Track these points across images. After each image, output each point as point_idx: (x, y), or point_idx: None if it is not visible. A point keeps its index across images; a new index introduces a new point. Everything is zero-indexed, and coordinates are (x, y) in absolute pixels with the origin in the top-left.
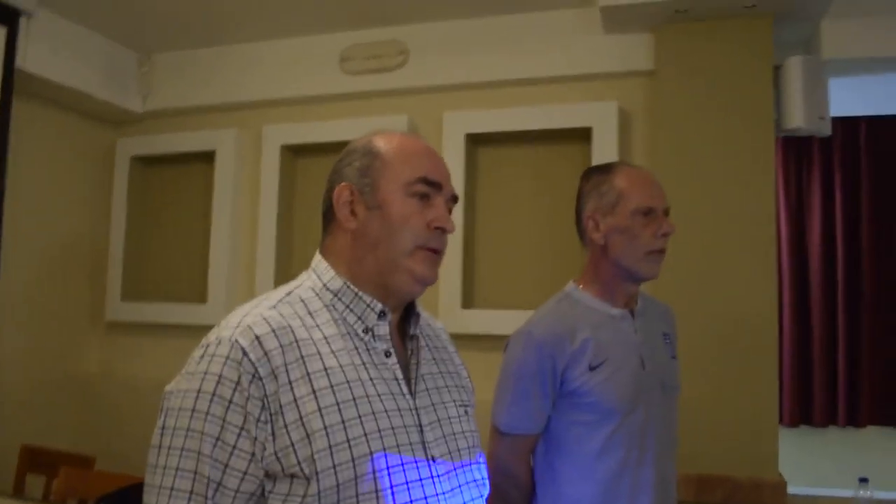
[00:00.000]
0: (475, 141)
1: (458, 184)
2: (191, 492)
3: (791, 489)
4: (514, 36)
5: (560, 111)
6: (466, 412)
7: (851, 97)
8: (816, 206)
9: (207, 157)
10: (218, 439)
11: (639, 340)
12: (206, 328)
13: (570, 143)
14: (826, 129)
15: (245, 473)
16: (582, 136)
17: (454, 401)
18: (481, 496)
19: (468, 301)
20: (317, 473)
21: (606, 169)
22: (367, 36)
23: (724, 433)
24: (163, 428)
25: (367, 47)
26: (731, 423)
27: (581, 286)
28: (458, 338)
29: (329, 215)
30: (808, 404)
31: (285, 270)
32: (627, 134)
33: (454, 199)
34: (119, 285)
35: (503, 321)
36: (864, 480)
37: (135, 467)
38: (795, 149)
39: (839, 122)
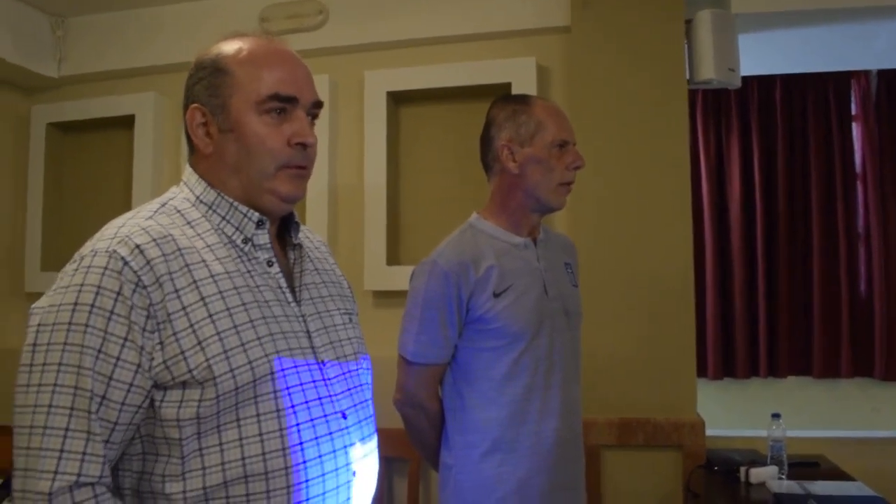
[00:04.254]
0: (397, 99)
1: (380, 142)
2: (71, 408)
3: (709, 431)
4: None
5: (479, 68)
6: (351, 319)
7: (768, 55)
8: (735, 162)
9: (127, 122)
10: (100, 351)
11: (542, 267)
12: None
13: (490, 100)
14: (736, 81)
15: (131, 385)
16: (502, 92)
17: (338, 309)
18: (367, 400)
19: (393, 257)
20: (214, 378)
21: (523, 100)
22: None
23: (644, 378)
24: (34, 346)
25: (286, 7)
26: (650, 368)
27: (484, 216)
28: (383, 294)
29: (189, 133)
30: (730, 358)
31: None
32: (546, 89)
33: (317, 105)
34: (38, 255)
35: None
36: (776, 416)
37: None
38: (715, 106)
39: (756, 79)
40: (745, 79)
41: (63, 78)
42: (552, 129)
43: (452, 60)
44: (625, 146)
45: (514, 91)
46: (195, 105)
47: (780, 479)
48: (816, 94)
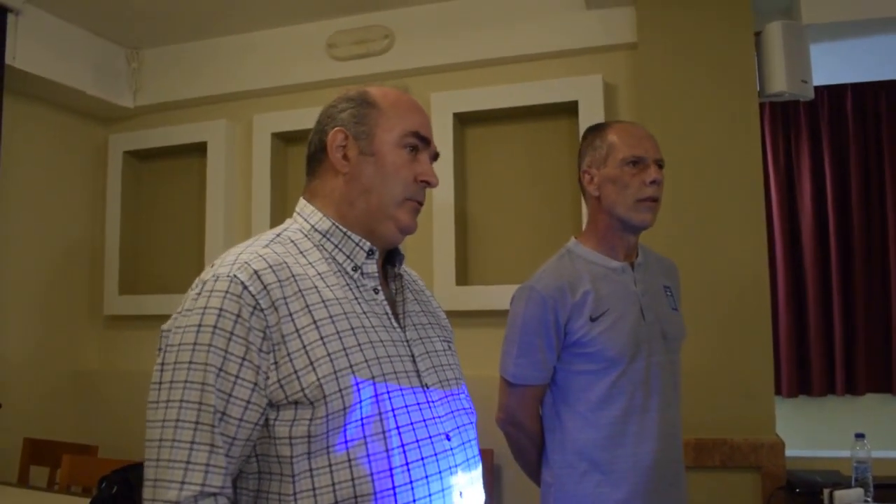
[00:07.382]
0: (463, 120)
1: (447, 163)
2: (196, 422)
3: (788, 452)
4: (497, 15)
5: (546, 87)
6: (450, 347)
7: (837, 64)
8: (806, 174)
9: (200, 149)
10: (221, 370)
11: (639, 291)
12: None
13: (556, 118)
14: (809, 93)
15: (248, 402)
16: (568, 110)
17: (438, 336)
18: (471, 423)
19: (462, 278)
20: (324, 398)
21: (602, 126)
22: (353, 22)
23: (721, 398)
24: (163, 364)
25: (353, 33)
26: (727, 388)
27: (581, 241)
28: (453, 314)
29: (318, 157)
30: (805, 375)
31: None
32: (613, 106)
33: (436, 156)
34: (116, 279)
35: (498, 296)
36: (860, 436)
37: (137, 455)
38: (784, 118)
39: (825, 89)
40: (815, 89)
41: (138, 108)
42: (623, 148)
43: (518, 80)
44: (695, 162)
45: (581, 109)
46: (339, 128)
47: (867, 501)
48: (889, 102)
